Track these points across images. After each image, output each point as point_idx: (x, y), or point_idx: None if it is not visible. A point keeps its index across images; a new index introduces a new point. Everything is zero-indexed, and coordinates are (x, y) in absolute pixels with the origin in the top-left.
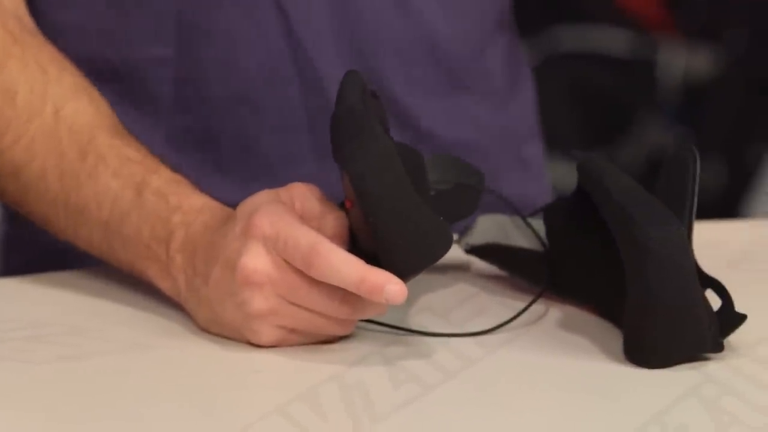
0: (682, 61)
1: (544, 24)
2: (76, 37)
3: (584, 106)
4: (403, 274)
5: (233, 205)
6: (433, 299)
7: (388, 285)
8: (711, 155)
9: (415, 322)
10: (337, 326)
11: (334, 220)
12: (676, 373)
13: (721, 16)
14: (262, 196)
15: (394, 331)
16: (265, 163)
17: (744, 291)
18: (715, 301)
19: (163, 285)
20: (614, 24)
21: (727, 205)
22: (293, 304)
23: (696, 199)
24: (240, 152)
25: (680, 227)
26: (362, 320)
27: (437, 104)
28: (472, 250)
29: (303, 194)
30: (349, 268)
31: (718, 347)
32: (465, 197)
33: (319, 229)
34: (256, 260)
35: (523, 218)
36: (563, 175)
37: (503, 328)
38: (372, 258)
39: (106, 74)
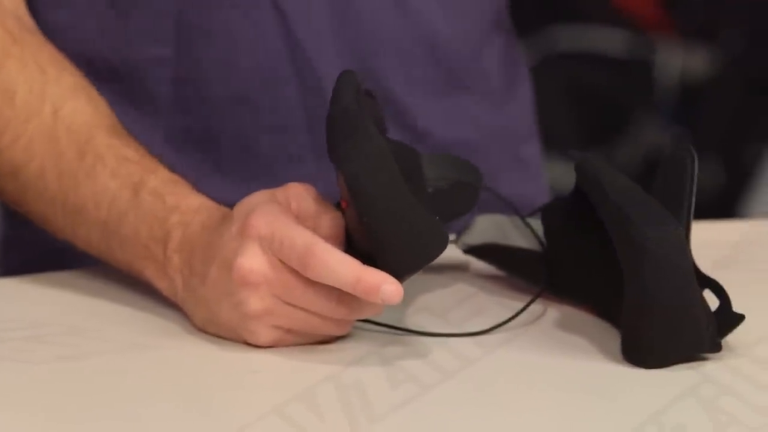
0: (679, 61)
1: (541, 24)
2: (76, 37)
3: (581, 106)
4: (399, 274)
5: (232, 205)
6: (431, 299)
7: (383, 285)
8: (708, 155)
9: (413, 322)
10: (333, 326)
11: (329, 220)
12: (673, 373)
13: (717, 17)
14: (259, 197)
15: (392, 331)
16: (264, 163)
17: (742, 291)
18: (712, 301)
19: (161, 285)
20: (611, 24)
21: (725, 205)
22: (289, 304)
23: (693, 199)
24: (239, 152)
25: (678, 227)
26: (360, 320)
27: (436, 104)
28: (470, 250)
29: (299, 194)
30: (344, 269)
31: (716, 347)
32: (463, 195)
33: (315, 229)
34: (253, 260)
35: (522, 218)
36: (561, 175)
37: (501, 328)
38: (368, 258)
39: (105, 74)
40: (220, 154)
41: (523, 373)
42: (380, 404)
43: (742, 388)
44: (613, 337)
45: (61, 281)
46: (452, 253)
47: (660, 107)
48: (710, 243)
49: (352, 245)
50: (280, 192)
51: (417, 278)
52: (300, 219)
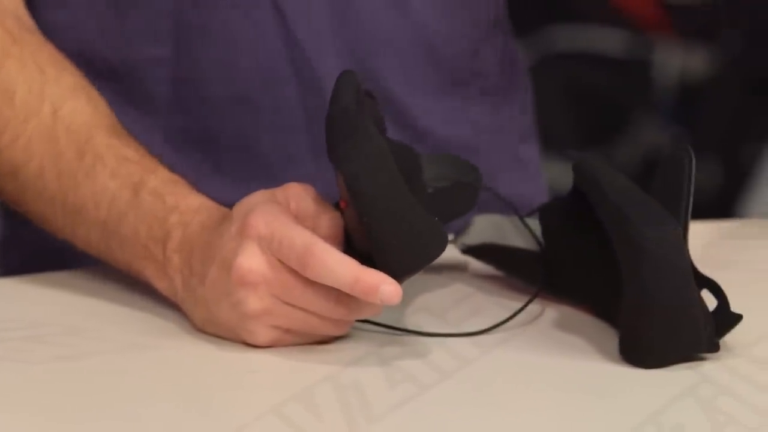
0: (677, 61)
1: (540, 24)
2: (75, 37)
3: (580, 106)
4: (398, 275)
5: (231, 205)
6: (430, 299)
7: (382, 285)
8: (707, 155)
9: (411, 322)
10: (332, 326)
11: (329, 220)
12: (672, 373)
13: (716, 16)
14: (258, 197)
15: (390, 331)
16: (264, 163)
17: (740, 291)
18: (710, 302)
19: (160, 285)
20: (610, 24)
21: (723, 205)
22: (288, 304)
23: (692, 199)
24: (238, 152)
25: (676, 227)
26: (358, 320)
27: (435, 104)
28: (468, 250)
29: (298, 194)
30: (343, 269)
31: (714, 347)
32: (463, 195)
33: (314, 230)
34: (251, 260)
35: (520, 218)
36: (559, 175)
37: (499, 328)
38: (367, 258)
39: (104, 74)
40: (219, 154)
41: (521, 373)
42: (378, 404)
43: (740, 388)
44: (611, 337)
45: (60, 281)
46: (450, 253)
47: (659, 107)
48: (708, 243)
49: (351, 245)
50: (279, 192)
51: (415, 278)
52: (299, 219)
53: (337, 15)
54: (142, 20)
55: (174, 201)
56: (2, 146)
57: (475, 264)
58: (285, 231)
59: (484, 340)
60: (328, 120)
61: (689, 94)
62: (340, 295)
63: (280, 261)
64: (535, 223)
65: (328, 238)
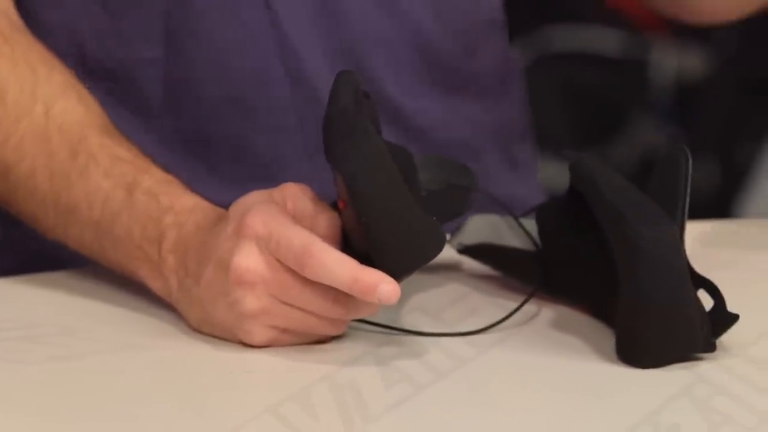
0: (674, 61)
1: (536, 24)
2: (70, 37)
3: (576, 106)
4: (396, 274)
5: (224, 206)
6: (426, 299)
7: (381, 285)
8: (703, 155)
9: (408, 321)
10: (329, 326)
11: (326, 220)
12: (668, 373)
13: None
14: (255, 196)
15: (387, 330)
16: (256, 164)
17: (736, 291)
18: (707, 301)
19: (155, 285)
20: (606, 24)
21: (720, 205)
22: (286, 303)
23: (688, 199)
24: (231, 153)
25: (673, 227)
26: (355, 320)
27: (428, 104)
28: (465, 250)
29: (295, 194)
30: (341, 268)
31: (711, 347)
32: (457, 198)
33: (312, 230)
34: (249, 260)
35: (516, 218)
36: (555, 175)
37: (495, 328)
38: (365, 258)
39: (98, 74)
40: (212, 154)
41: (517, 373)
42: (375, 404)
43: (737, 388)
44: (607, 337)
45: (54, 282)
46: (446, 252)
47: (655, 107)
48: (705, 243)
49: (348, 245)
50: (276, 192)
51: (411, 278)
52: (297, 219)
53: (329, 15)
54: (136, 21)
55: (168, 201)
56: None
57: (471, 263)
58: (283, 231)
59: (480, 340)
60: (327, 120)
61: (686, 93)
62: (338, 295)
63: (277, 261)
64: (531, 223)
65: (325, 238)
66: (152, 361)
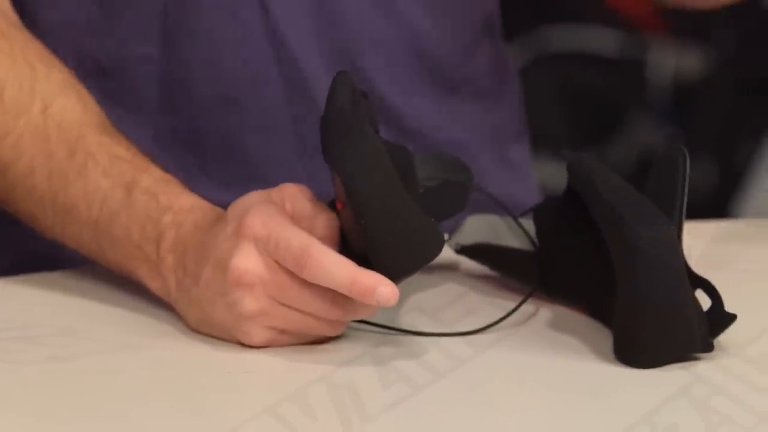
0: (672, 61)
1: (534, 24)
2: (67, 36)
3: (574, 106)
4: (395, 276)
5: (219, 206)
6: (423, 299)
7: (379, 287)
8: (701, 155)
9: (405, 321)
10: (327, 327)
11: (325, 221)
12: (666, 373)
13: (710, 16)
14: (254, 197)
15: (384, 331)
16: (250, 164)
17: (734, 291)
18: (705, 301)
19: (153, 285)
20: (604, 24)
21: (717, 205)
22: (284, 305)
23: (686, 199)
24: (225, 152)
25: (670, 227)
26: (353, 320)
27: (424, 104)
28: (462, 250)
29: (294, 195)
30: (340, 270)
31: (708, 347)
32: (453, 194)
33: (311, 230)
34: (248, 261)
35: (514, 218)
36: (553, 175)
37: (493, 328)
38: (363, 259)
39: (94, 73)
40: (206, 154)
41: (515, 373)
42: (372, 404)
43: (734, 388)
44: (605, 337)
45: (51, 282)
46: (444, 252)
47: (653, 107)
48: (703, 243)
49: (346, 246)
50: (275, 192)
51: (409, 278)
52: (295, 220)
53: (324, 15)
54: (133, 20)
55: (167, 201)
56: None
57: (468, 264)
58: (281, 232)
59: (478, 340)
60: (324, 120)
61: (683, 93)
62: (336, 296)
63: (276, 262)
64: (529, 223)
65: (324, 239)
66: (150, 361)
